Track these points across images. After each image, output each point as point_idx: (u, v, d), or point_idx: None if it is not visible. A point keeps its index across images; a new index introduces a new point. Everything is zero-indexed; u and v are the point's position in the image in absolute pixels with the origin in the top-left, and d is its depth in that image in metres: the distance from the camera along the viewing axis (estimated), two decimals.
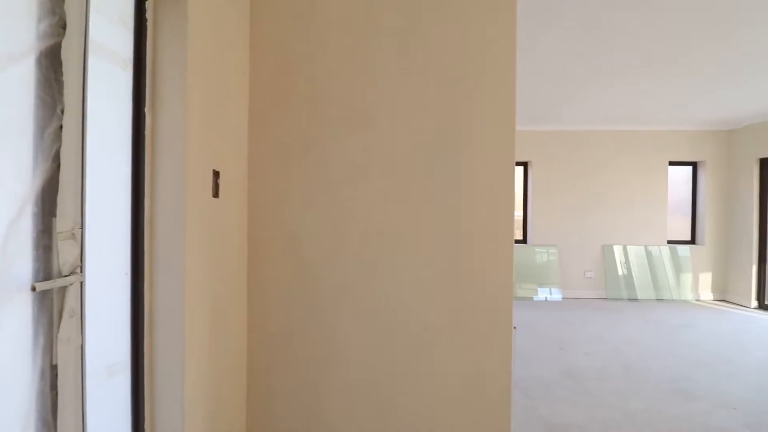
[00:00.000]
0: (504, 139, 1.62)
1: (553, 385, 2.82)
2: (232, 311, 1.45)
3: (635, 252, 5.64)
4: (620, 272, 5.62)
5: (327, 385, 1.57)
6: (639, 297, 5.55)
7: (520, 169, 5.89)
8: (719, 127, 5.45)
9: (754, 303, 5.11)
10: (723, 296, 5.53)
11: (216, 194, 1.30)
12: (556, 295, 5.52)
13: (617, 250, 5.64)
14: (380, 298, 1.58)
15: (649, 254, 5.62)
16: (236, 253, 1.48)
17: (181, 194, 1.11)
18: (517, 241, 5.85)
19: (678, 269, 5.57)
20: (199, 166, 1.20)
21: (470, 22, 1.57)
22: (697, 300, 5.51)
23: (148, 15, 1.10)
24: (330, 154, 1.57)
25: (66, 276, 0.78)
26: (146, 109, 1.09)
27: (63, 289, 0.78)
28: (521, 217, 5.91)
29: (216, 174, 1.30)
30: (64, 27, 0.77)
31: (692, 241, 5.72)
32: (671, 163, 5.64)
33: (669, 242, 5.64)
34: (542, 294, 5.57)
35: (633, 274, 5.60)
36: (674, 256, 5.59)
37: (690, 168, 5.74)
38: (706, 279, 5.57)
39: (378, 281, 1.58)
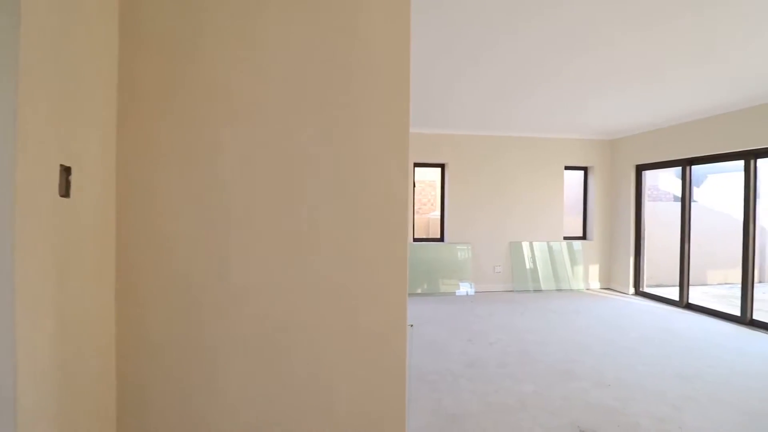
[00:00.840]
0: (398, 139, 1.64)
1: (458, 376, 2.97)
2: (91, 324, 1.28)
3: (539, 247, 6.20)
4: (527, 266, 6.14)
5: (208, 399, 1.46)
6: (542, 288, 6.11)
7: (437, 171, 6.15)
8: (605, 137, 6.21)
9: (632, 290, 5.91)
10: (608, 285, 6.32)
11: (66, 193, 1.13)
12: (471, 290, 5.86)
13: (525, 246, 6.15)
14: (267, 305, 1.51)
15: (550, 249, 6.22)
16: (98, 260, 1.31)
17: (9, 193, 0.94)
18: (434, 240, 6.10)
19: (573, 262, 6.24)
20: (39, 161, 1.03)
21: (365, 18, 1.56)
22: (587, 289, 6.23)
23: None
24: (214, 151, 1.46)
25: None
26: None
27: None
28: (439, 217, 6.17)
29: (66, 170, 1.13)
30: None
31: (584, 237, 6.45)
32: (567, 168, 6.29)
33: (565, 238, 6.30)
34: (464, 288, 5.87)
35: (538, 267, 6.15)
36: (570, 250, 6.26)
37: (582, 172, 6.46)
38: (594, 270, 6.31)
39: (266, 288, 1.51)
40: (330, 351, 1.55)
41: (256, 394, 1.49)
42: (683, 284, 5.16)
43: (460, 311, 4.86)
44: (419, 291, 5.80)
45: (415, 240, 6.01)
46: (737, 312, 4.47)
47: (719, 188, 8.24)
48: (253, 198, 1.49)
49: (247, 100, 1.48)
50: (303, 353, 1.53)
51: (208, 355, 1.47)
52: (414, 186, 6.00)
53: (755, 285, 4.40)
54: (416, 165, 5.98)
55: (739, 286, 4.49)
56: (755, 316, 4.33)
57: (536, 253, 6.16)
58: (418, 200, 9.31)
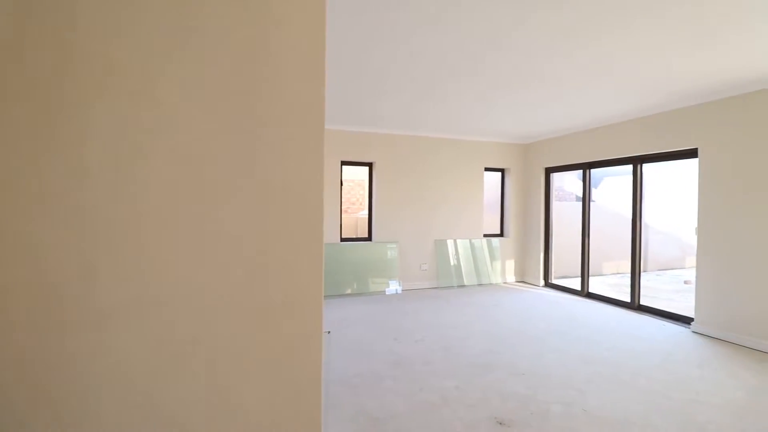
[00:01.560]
0: (312, 133, 1.50)
1: (383, 377, 2.91)
2: None
3: (462, 245, 6.45)
4: (452, 263, 6.35)
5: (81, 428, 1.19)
6: (465, 283, 6.37)
7: (365, 170, 6.09)
8: (519, 141, 6.66)
9: (542, 282, 6.43)
10: (522, 278, 6.80)
11: None
12: (399, 288, 5.90)
13: (449, 243, 6.35)
14: (160, 316, 1.28)
15: (472, 246, 6.51)
16: None
17: None
18: (362, 239, 6.03)
19: (492, 258, 6.60)
20: None
21: (278, 3, 1.40)
22: (504, 283, 6.64)
23: None
24: (81, 136, 1.19)
25: None
26: None
27: None
28: (367, 216, 6.12)
29: None
30: None
31: (501, 234, 6.87)
32: (486, 169, 6.64)
33: (485, 235, 6.65)
34: (392, 287, 5.87)
35: (461, 264, 6.40)
36: (489, 247, 6.61)
37: (500, 173, 6.87)
38: (510, 265, 6.75)
39: (156, 296, 1.28)
40: (236, 365, 1.37)
41: (143, 418, 1.25)
42: (584, 275, 5.73)
43: (388, 310, 4.85)
44: (349, 291, 5.69)
45: (342, 240, 5.89)
46: (628, 299, 5.07)
47: (613, 189, 9.36)
48: (140, 196, 1.25)
49: (131, 75, 1.24)
50: (203, 370, 1.33)
51: (81, 378, 1.20)
52: (341, 185, 5.87)
53: (641, 274, 5.02)
54: (344, 164, 5.87)
55: (629, 275, 5.08)
56: (642, 302, 4.94)
57: (459, 250, 6.41)
58: (347, 199, 9.21)
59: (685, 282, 7.28)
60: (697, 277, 4.13)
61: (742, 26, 2.47)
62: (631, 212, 4.99)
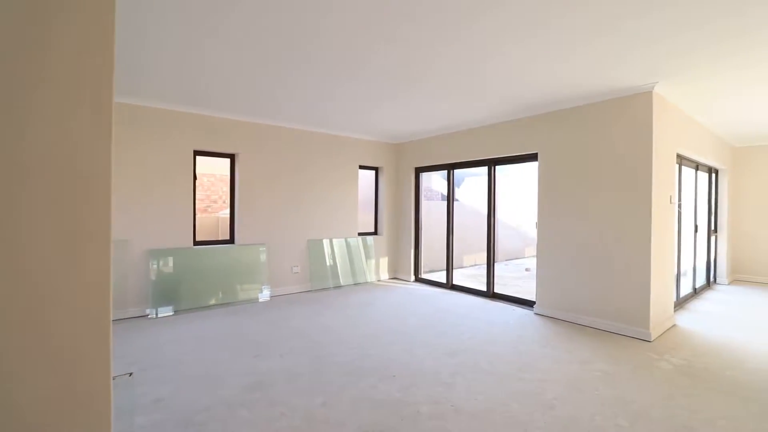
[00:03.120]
0: (97, 99, 1.03)
1: (237, 407, 2.44)
2: None
3: (338, 244, 6.23)
4: (328, 263, 6.06)
5: None
6: (342, 284, 6.16)
7: (227, 162, 5.36)
8: (391, 140, 6.77)
9: (413, 277, 6.65)
10: (395, 275, 6.94)
11: None
12: (266, 295, 5.35)
13: (325, 243, 6.05)
14: None
15: (348, 245, 6.34)
16: None
17: None
18: (224, 242, 5.30)
19: (367, 256, 6.55)
20: None
21: None
22: (379, 280, 6.67)
23: None
24: None
25: None
26: None
27: None
28: (229, 215, 5.39)
29: None
30: None
31: (375, 232, 6.89)
32: (361, 167, 6.57)
33: (360, 234, 6.57)
34: (259, 294, 5.26)
35: (337, 264, 6.16)
36: (364, 245, 6.55)
37: (374, 172, 6.89)
38: (384, 262, 6.82)
39: None
40: None
41: None
42: (449, 269, 6.10)
43: (252, 322, 4.30)
44: (213, 302, 4.90)
45: (198, 243, 5.05)
46: (485, 288, 5.54)
47: (472, 189, 10.39)
48: None
49: None
50: None
51: None
52: (195, 178, 5.03)
53: (495, 264, 5.54)
54: (199, 154, 5.04)
55: (485, 266, 5.57)
56: (496, 290, 5.46)
57: (335, 250, 6.17)
58: (207, 197, 8.10)
59: (526, 269, 8.46)
60: (537, 265, 4.70)
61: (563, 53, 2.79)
62: (487, 209, 5.47)
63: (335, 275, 6.12)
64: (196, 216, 5.12)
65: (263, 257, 5.40)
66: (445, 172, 6.17)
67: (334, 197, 6.16)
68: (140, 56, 3.13)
